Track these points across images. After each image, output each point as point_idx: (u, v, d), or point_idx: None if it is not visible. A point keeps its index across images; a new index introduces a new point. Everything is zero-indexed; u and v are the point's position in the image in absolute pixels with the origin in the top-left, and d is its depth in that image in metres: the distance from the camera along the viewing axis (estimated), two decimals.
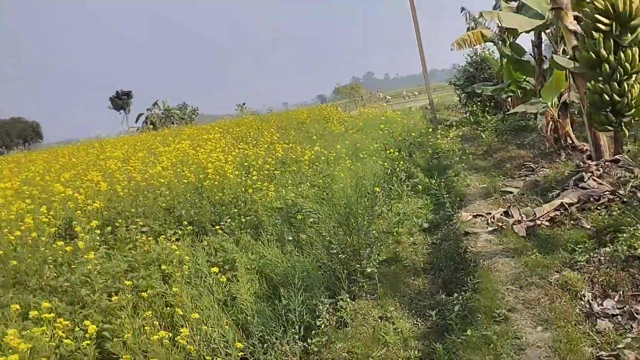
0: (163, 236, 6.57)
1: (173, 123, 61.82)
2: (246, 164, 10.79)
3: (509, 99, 18.26)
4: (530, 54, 13.54)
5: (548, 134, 10.50)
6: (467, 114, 23.50)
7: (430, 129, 18.97)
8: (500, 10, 12.90)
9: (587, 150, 9.98)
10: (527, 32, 10.07)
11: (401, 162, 11.64)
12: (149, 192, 8.03)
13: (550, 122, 10.21)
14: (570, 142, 10.21)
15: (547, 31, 10.71)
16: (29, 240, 5.91)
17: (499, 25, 13.73)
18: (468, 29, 19.50)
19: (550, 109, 10.06)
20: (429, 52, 20.15)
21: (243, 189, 8.02)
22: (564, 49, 10.35)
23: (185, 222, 7.13)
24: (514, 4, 14.14)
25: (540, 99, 10.29)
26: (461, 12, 20.15)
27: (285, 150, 12.75)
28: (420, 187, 9.97)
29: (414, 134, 15.89)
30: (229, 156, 9.48)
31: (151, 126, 59.65)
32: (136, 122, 66.37)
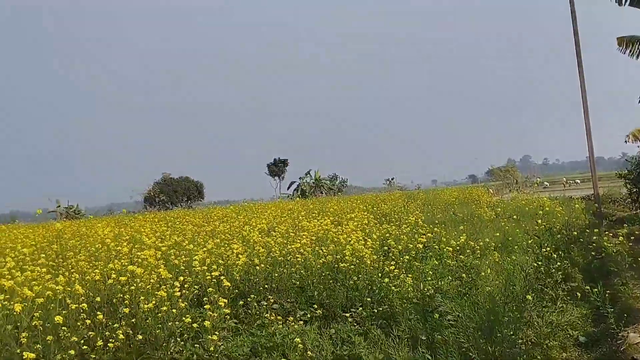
0: (292, 317, 6.36)
1: (322, 193, 64.00)
2: (386, 247, 10.41)
3: None
4: None
5: None
6: (638, 211, 21.08)
7: (593, 224, 17.21)
8: None
9: None
10: None
11: (558, 262, 10.50)
12: (284, 268, 7.96)
13: None
14: None
15: None
16: (161, 312, 5.99)
17: None
18: None
19: None
20: (596, 137, 18.49)
21: (379, 274, 7.63)
22: None
23: (316, 305, 6.88)
24: None
25: None
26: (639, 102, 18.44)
27: (429, 239, 12.22)
28: (578, 293, 8.81)
29: (574, 230, 14.40)
30: (369, 240, 9.16)
31: (300, 195, 62.27)
32: (288, 189, 69.48)
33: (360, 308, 6.74)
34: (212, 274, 7.09)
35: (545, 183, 79.86)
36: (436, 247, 11.24)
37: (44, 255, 8.59)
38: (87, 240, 10.83)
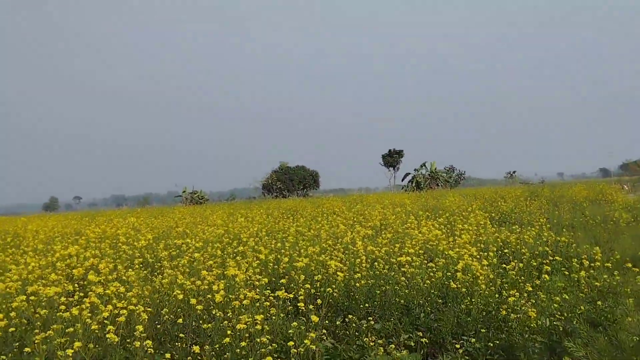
0: (393, 345, 5.71)
1: (438, 185, 62.12)
2: (504, 264, 9.39)
3: None
4: None
5: None
6: None
7: None
8: None
9: None
10: None
11: None
12: (388, 285, 7.27)
13: None
14: None
15: None
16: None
17: None
18: None
19: None
20: None
21: (496, 297, 6.69)
22: None
23: (420, 333, 6.16)
24: None
25: None
26: None
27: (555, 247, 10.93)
28: None
29: None
30: (484, 256, 8.18)
31: (415, 186, 60.87)
32: (402, 180, 68.37)
33: (474, 340, 5.89)
34: (308, 285, 6.63)
35: None
36: (563, 260, 10.05)
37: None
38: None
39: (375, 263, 8.06)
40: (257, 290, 6.40)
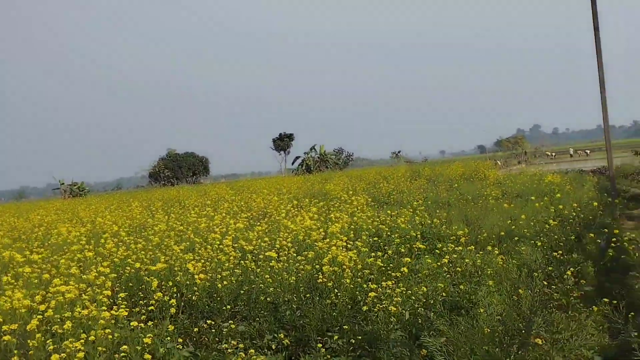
0: (253, 350, 5.39)
1: (327, 167, 63.05)
2: (381, 243, 9.40)
3: None
4: None
5: None
6: None
7: (606, 205, 16.15)
8: None
9: None
10: None
11: (570, 254, 9.47)
12: (255, 284, 6.94)
13: None
14: None
15: None
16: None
17: None
18: None
19: None
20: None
21: (365, 288, 6.56)
22: None
23: (282, 334, 5.89)
24: None
25: None
26: None
27: (427, 227, 11.18)
28: (593, 297, 7.78)
29: (587, 213, 13.27)
30: (359, 240, 8.11)
31: (305, 169, 61.42)
32: (292, 164, 68.73)
33: (336, 336, 5.71)
34: (159, 294, 6.13)
35: (553, 154, 78.70)
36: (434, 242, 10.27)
37: None
38: None
39: (242, 261, 7.70)
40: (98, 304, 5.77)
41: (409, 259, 7.61)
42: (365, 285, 6.65)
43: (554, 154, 78.43)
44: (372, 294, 6.14)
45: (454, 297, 6.84)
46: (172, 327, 5.61)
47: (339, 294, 6.45)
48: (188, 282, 6.84)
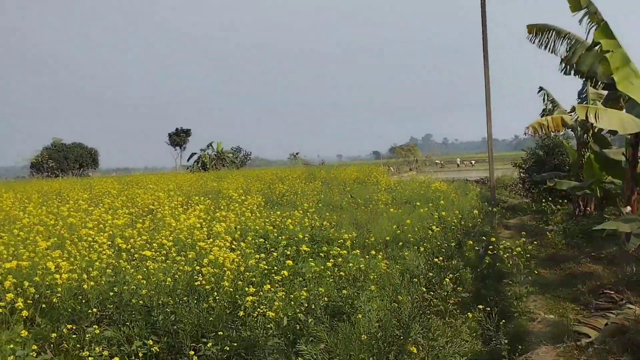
0: (118, 357, 4.94)
1: (224, 166, 61.81)
2: (267, 244, 9.12)
3: (585, 196, 16.07)
4: (623, 154, 11.49)
5: None
6: (529, 200, 21.37)
7: (487, 213, 17.02)
8: (586, 97, 11.10)
9: None
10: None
11: (450, 260, 9.76)
12: (125, 284, 6.43)
13: None
14: None
15: None
16: None
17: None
18: (544, 110, 17.62)
19: None
20: (492, 119, 18.22)
21: (246, 291, 6.26)
22: None
23: (151, 341, 5.46)
24: (604, 92, 12.28)
25: (637, 215, 8.27)
26: (539, 92, 18.30)
27: (317, 229, 11.10)
28: (469, 304, 8.02)
29: (465, 219, 13.86)
30: (245, 241, 7.81)
31: (201, 167, 59.75)
32: (188, 160, 66.71)
33: (210, 343, 5.37)
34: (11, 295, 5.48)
35: (442, 162, 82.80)
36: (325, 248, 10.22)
37: None
38: None
39: (115, 260, 7.13)
40: None
41: (291, 262, 7.42)
42: (246, 289, 6.35)
43: (442, 162, 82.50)
44: (250, 298, 5.87)
45: (336, 302, 6.73)
46: (26, 332, 5.01)
47: (217, 297, 6.11)
48: (48, 282, 6.18)
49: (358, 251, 9.11)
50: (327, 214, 13.55)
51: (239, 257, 7.19)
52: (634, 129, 7.76)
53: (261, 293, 6.17)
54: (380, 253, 8.97)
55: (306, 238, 9.86)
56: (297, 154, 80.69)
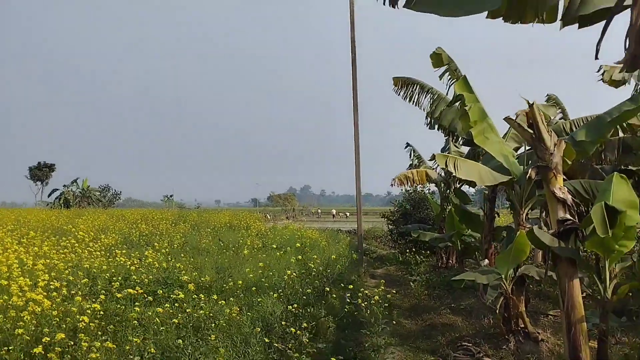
0: None
1: (90, 204, 57.57)
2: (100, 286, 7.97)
3: (447, 248, 16.46)
4: (480, 207, 11.78)
5: (497, 312, 8.36)
6: (396, 251, 21.70)
7: (355, 262, 16.89)
8: (448, 153, 11.33)
9: (541, 339, 7.88)
10: (488, 187, 8.23)
11: (311, 308, 9.18)
12: None
13: (501, 298, 8.11)
14: (523, 326, 8.10)
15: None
16: None
17: (445, 170, 11.99)
18: (411, 165, 18.11)
19: (503, 282, 8.01)
20: (367, 175, 18.62)
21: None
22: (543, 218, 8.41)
23: None
24: (465, 149, 12.69)
25: (494, 267, 8.26)
26: (405, 147, 18.88)
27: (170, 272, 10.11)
28: (326, 352, 7.42)
29: (330, 268, 13.50)
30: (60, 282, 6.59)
31: (63, 204, 55.14)
32: (48, 196, 61.40)
33: None
34: None
35: (319, 211, 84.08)
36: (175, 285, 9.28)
37: None
38: None
39: None
40: None
41: (97, 306, 6.33)
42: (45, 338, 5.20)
43: (319, 211, 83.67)
44: (37, 349, 4.77)
45: (171, 353, 5.81)
46: None
47: (11, 348, 4.93)
48: None
49: (216, 296, 8.30)
50: (182, 256, 12.58)
51: (54, 301, 6.02)
52: (491, 182, 7.81)
53: (70, 342, 5.10)
54: (232, 298, 8.18)
55: (150, 281, 8.86)
56: (171, 196, 77.86)
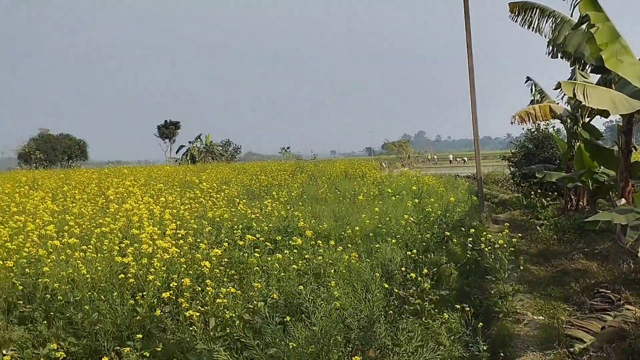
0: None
1: (213, 159, 60.78)
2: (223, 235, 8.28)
3: (577, 189, 15.26)
4: (614, 142, 10.68)
5: (638, 255, 7.58)
6: (520, 195, 20.59)
7: (475, 207, 16.27)
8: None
9: None
10: (622, 115, 7.35)
11: (426, 266, 8.89)
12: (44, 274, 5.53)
13: None
14: None
15: None
16: None
17: (574, 101, 10.94)
18: (532, 102, 16.76)
19: None
20: (484, 118, 17.66)
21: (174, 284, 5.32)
22: None
23: (70, 341, 4.60)
24: (594, 79, 11.45)
25: (632, 206, 7.45)
26: (526, 82, 17.42)
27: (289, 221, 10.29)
28: (450, 302, 7.17)
29: (448, 213, 13.05)
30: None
31: (190, 159, 58.73)
32: (176, 153, 65.76)
33: (128, 349, 4.48)
34: None
35: (435, 157, 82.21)
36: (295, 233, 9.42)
37: None
38: None
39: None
40: None
41: (219, 251, 6.45)
42: (173, 284, 5.43)
43: (435, 156, 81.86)
44: (166, 294, 4.99)
45: (293, 298, 5.88)
46: None
47: (144, 293, 5.22)
48: None
49: (333, 242, 8.33)
50: (301, 204, 12.80)
51: (181, 248, 6.31)
52: (627, 109, 6.94)
53: (198, 288, 5.30)
54: (349, 245, 8.14)
55: (267, 228, 9.09)
56: (287, 148, 79.84)
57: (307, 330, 4.95)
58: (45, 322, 5.03)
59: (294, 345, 4.67)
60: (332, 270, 6.72)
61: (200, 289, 5.36)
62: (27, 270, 5.74)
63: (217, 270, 5.95)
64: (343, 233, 9.81)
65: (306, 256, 7.16)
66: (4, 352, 4.56)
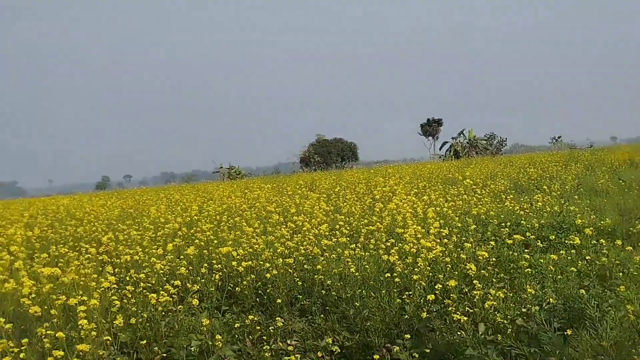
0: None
1: (477, 153, 59.39)
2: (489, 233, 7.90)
3: None
4: None
5: None
6: None
7: None
8: None
9: None
10: None
11: None
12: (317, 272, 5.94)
13: None
14: None
15: None
16: None
17: None
18: None
19: None
20: None
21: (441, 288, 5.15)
22: None
23: (344, 335, 4.82)
24: None
25: None
26: None
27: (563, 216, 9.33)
28: None
29: None
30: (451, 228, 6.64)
31: (453, 155, 58.39)
32: (440, 149, 66.29)
33: (397, 346, 4.47)
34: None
35: None
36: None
37: None
38: None
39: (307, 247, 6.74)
40: None
41: (485, 253, 5.96)
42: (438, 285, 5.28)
43: None
44: (431, 296, 4.84)
45: (574, 304, 5.25)
46: (208, 321, 4.84)
47: (410, 293, 5.20)
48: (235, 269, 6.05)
49: (620, 241, 7.26)
50: (577, 198, 11.61)
51: (445, 247, 6.16)
52: None
53: (465, 289, 5.08)
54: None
55: (536, 225, 8.38)
56: (559, 137, 73.71)
57: (593, 340, 4.36)
58: (322, 315, 5.43)
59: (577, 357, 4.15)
60: (621, 273, 5.84)
61: (466, 290, 5.17)
62: (305, 266, 6.30)
63: (485, 271, 5.67)
64: (631, 229, 8.55)
65: (587, 257, 6.36)
66: (289, 342, 5.02)
